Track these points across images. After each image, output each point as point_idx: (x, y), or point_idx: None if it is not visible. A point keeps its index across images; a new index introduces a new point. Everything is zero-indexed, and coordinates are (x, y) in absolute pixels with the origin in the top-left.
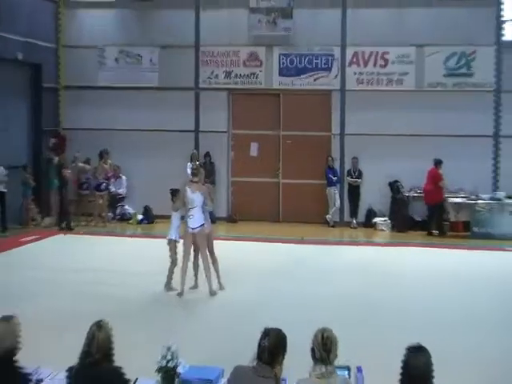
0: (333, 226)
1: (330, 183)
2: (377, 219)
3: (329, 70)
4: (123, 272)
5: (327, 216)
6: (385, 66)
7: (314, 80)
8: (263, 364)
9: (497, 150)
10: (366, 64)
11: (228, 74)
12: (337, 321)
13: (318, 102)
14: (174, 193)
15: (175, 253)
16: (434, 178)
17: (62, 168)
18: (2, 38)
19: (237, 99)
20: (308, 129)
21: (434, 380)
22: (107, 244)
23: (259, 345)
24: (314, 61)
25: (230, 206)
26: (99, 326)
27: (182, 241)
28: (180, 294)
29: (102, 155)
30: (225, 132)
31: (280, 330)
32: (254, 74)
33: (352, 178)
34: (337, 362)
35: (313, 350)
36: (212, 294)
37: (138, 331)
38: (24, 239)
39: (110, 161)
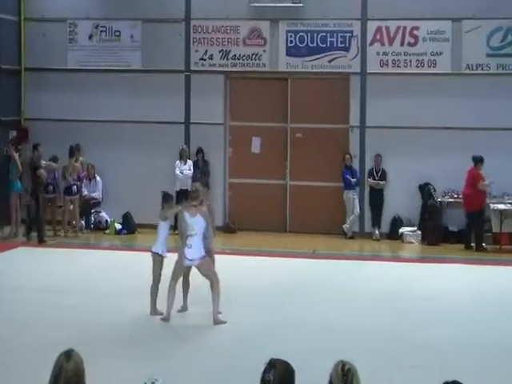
0: (351, 238)
1: (348, 186)
2: (404, 229)
3: (346, 49)
4: (97, 292)
5: (344, 226)
6: (414, 44)
7: (329, 61)
8: None
9: None
10: (391, 42)
11: (225, 55)
12: (356, 353)
13: (333, 88)
14: (166, 198)
15: (159, 268)
16: (473, 180)
17: (35, 167)
18: None
19: (235, 84)
20: (321, 120)
21: None
22: (79, 258)
23: (263, 379)
24: (329, 38)
25: (227, 213)
26: (68, 356)
27: (169, 257)
28: (165, 319)
29: (73, 152)
30: (221, 124)
31: (288, 363)
32: (256, 55)
33: (374, 179)
34: None
35: None
36: (216, 322)
37: (114, 363)
38: None
39: (81, 158)
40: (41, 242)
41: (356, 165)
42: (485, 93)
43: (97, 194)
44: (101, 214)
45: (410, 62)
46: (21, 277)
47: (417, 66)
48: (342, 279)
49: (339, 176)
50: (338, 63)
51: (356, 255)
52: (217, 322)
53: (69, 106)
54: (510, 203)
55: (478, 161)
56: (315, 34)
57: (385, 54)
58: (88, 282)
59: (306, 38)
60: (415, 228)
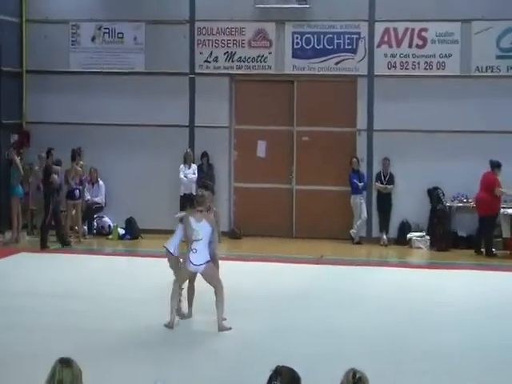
0: (358, 243)
1: (355, 190)
2: (412, 234)
3: (354, 51)
4: (101, 299)
5: (351, 231)
6: (423, 46)
7: (336, 64)
8: None
9: None
10: (399, 44)
11: (230, 57)
12: (363, 358)
13: (340, 91)
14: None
15: (176, 264)
16: (490, 185)
17: (49, 172)
18: None
19: (241, 87)
20: (328, 124)
21: None
22: (82, 263)
23: None
24: (336, 40)
25: (233, 218)
26: (64, 364)
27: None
28: (169, 326)
29: (75, 155)
30: (226, 127)
31: (294, 371)
32: (261, 57)
33: (382, 183)
34: None
35: None
36: (221, 329)
37: (118, 369)
38: None
39: (81, 162)
40: (43, 247)
41: (363, 169)
42: (495, 95)
43: (100, 199)
44: (104, 218)
45: (419, 64)
46: (24, 282)
47: (425, 69)
48: (349, 285)
49: (346, 180)
50: (344, 65)
51: (363, 261)
52: (221, 328)
53: (71, 109)
54: None
55: (495, 166)
56: (322, 36)
57: (393, 56)
58: (93, 287)
59: (312, 39)
60: (424, 233)
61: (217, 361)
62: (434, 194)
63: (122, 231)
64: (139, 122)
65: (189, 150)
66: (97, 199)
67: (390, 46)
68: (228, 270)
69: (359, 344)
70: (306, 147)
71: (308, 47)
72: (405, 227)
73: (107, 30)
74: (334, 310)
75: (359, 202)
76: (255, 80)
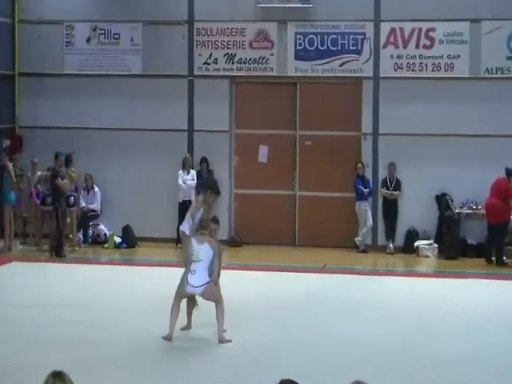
0: (363, 252)
1: (360, 197)
2: (420, 242)
3: (358, 52)
4: (97, 308)
5: (356, 239)
6: (430, 46)
7: (340, 65)
8: None
9: None
10: (405, 44)
11: (230, 58)
12: (370, 368)
13: (344, 94)
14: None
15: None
16: (502, 192)
17: (56, 178)
18: None
19: (241, 90)
20: (332, 127)
21: None
22: (77, 273)
23: None
24: (340, 41)
25: (233, 225)
26: (57, 377)
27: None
28: (168, 338)
29: (69, 161)
30: (226, 132)
31: None
32: (263, 58)
33: (388, 189)
34: None
35: None
36: (222, 341)
37: (115, 380)
38: None
39: (72, 168)
40: (59, 255)
41: (369, 174)
42: (505, 98)
43: (95, 206)
44: (99, 226)
45: (426, 65)
46: (18, 292)
47: (433, 70)
48: (354, 294)
49: (351, 186)
50: (349, 67)
51: (369, 270)
52: (222, 340)
53: (66, 113)
54: None
55: (511, 173)
56: (325, 37)
57: (399, 57)
58: (88, 296)
59: (315, 40)
60: (431, 241)
61: (216, 371)
62: (442, 201)
63: (118, 239)
64: (136, 127)
65: (188, 155)
66: (92, 206)
67: (397, 47)
68: (228, 279)
69: (365, 354)
70: (309, 152)
71: (311, 48)
72: (412, 235)
73: (103, 31)
74: (338, 319)
75: (364, 209)
76: (256, 82)
